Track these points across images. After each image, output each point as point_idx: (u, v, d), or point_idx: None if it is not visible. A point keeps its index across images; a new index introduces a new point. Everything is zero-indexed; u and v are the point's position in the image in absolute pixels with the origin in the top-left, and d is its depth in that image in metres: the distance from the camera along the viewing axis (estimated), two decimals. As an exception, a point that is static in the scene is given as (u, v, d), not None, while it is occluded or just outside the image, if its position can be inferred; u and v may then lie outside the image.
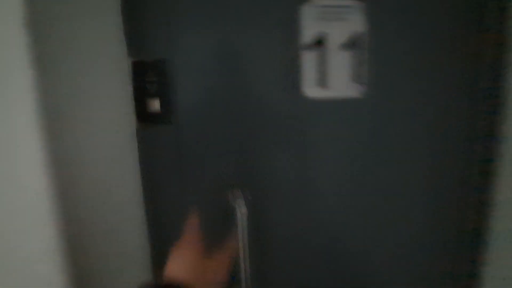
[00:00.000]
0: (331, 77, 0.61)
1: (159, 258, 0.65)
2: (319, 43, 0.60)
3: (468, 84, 0.63)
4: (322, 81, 0.61)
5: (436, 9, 0.60)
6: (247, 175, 0.65)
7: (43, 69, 0.47)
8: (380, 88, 0.62)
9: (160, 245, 0.65)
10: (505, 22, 0.60)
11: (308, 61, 0.60)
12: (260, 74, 0.61)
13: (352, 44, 0.60)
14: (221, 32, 0.59)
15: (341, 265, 0.71)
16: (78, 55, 0.52)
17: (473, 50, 0.61)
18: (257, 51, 0.60)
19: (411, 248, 0.70)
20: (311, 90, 0.62)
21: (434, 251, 0.71)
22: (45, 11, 0.48)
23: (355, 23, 0.60)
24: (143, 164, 0.63)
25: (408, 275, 0.72)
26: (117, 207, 0.60)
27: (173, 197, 0.65)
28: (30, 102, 0.46)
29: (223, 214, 0.62)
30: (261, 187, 0.65)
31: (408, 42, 0.61)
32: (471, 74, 0.62)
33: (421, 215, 0.68)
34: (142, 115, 0.60)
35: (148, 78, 0.58)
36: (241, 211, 0.59)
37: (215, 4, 0.58)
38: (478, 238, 0.69)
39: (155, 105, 0.59)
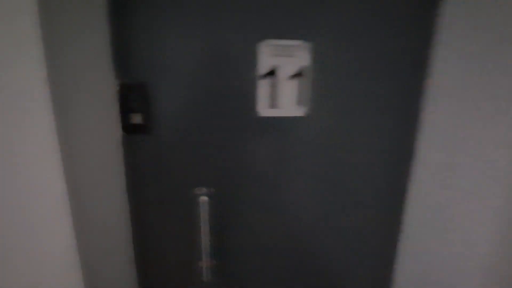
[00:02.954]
0: (281, 100, 0.78)
1: (142, 253, 0.82)
2: (272, 73, 0.76)
3: (394, 106, 0.81)
4: (274, 103, 0.78)
5: (371, 48, 0.78)
6: (213, 174, 0.82)
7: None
8: (320, 108, 0.79)
9: (143, 238, 0.82)
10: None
11: (263, 87, 0.77)
12: (226, 96, 0.77)
13: (298, 75, 0.77)
14: (195, 61, 0.74)
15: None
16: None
17: (402, 82, 0.80)
18: (222, 78, 0.76)
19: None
20: (264, 110, 0.78)
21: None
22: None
23: (301, 59, 0.76)
24: (128, 167, 0.78)
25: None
26: (105, 202, 0.75)
27: (153, 195, 0.81)
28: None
29: (190, 205, 0.80)
30: (222, 184, 0.82)
31: (344, 73, 0.78)
32: (396, 99, 0.81)
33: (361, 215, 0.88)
34: (127, 127, 0.75)
35: (132, 97, 0.73)
36: (203, 200, 0.77)
37: (191, 35, 0.73)
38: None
39: (138, 118, 0.74)
